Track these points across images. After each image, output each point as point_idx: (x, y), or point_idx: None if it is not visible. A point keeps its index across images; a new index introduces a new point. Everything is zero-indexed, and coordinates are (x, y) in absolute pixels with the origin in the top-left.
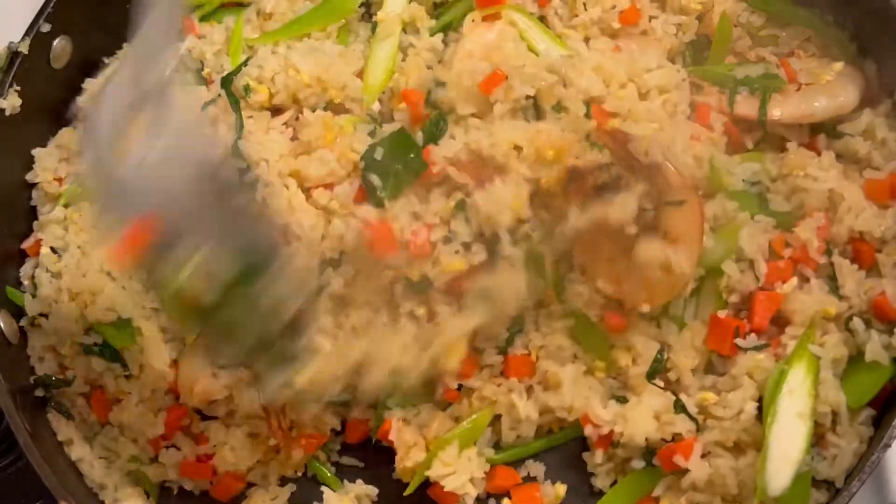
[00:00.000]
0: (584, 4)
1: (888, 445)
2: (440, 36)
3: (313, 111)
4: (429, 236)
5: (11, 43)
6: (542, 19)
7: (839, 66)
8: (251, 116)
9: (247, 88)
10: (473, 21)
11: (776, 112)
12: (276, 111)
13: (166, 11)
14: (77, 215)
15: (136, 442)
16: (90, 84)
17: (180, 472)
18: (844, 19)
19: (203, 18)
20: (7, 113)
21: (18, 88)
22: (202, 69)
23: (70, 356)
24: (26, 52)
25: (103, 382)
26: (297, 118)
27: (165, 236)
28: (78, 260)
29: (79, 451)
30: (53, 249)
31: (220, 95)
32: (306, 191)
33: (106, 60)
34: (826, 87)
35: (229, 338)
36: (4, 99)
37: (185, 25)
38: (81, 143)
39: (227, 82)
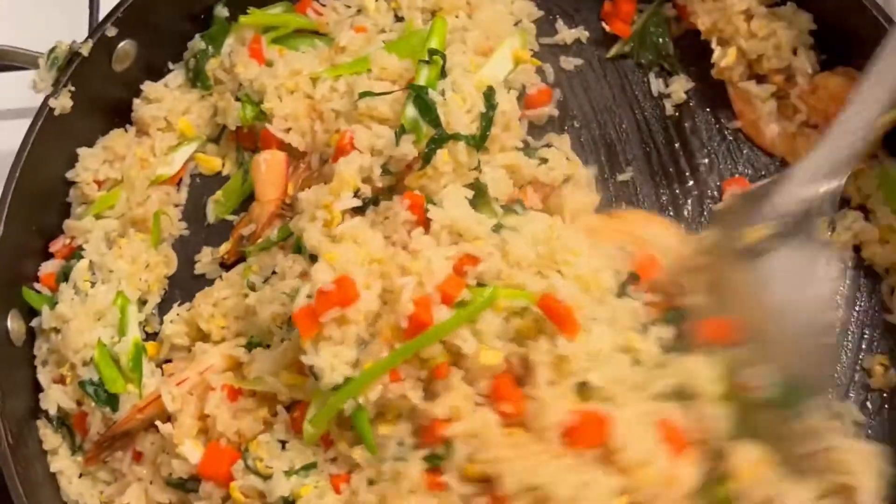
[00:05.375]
0: None
1: None
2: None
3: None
4: None
5: (74, 42)
6: None
7: None
8: None
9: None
10: None
11: None
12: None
13: None
14: (125, 241)
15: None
16: (149, 87)
17: None
18: None
19: (275, 41)
20: (56, 112)
21: (73, 89)
22: (261, 102)
23: (70, 376)
24: (86, 55)
25: (88, 411)
26: None
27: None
28: (112, 296)
29: (60, 463)
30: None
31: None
32: None
33: (171, 66)
34: None
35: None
36: (56, 98)
37: (251, 49)
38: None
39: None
